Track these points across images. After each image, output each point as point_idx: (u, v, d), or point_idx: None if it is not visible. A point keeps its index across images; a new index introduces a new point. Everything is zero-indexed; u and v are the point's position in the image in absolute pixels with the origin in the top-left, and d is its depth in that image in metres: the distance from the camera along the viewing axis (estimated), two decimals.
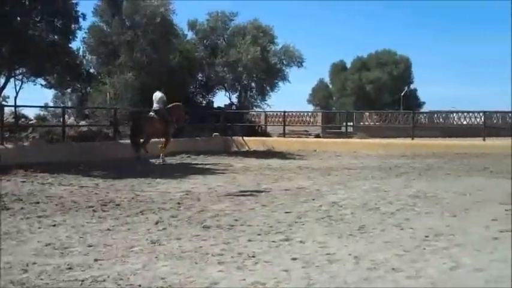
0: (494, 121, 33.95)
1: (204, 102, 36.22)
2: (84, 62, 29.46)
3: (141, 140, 18.87)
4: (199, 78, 35.81)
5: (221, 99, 37.61)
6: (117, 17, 28.00)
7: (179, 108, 20.37)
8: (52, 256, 6.58)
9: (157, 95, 19.48)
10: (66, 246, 7.01)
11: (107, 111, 25.23)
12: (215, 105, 36.88)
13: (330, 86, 71.85)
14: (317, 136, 33.86)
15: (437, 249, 6.95)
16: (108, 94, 27.10)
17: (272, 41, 36.30)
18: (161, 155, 19.27)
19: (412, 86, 66.93)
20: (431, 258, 6.51)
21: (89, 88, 29.20)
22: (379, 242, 7.30)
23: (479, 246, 7.08)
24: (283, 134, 30.51)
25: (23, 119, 24.24)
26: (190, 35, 36.01)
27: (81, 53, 28.92)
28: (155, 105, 19.35)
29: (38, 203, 10.41)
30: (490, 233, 7.83)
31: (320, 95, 72.37)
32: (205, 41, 35.67)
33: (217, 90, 37.03)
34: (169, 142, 19.83)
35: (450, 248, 6.99)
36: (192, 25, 35.95)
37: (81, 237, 7.51)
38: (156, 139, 19.69)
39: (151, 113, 19.30)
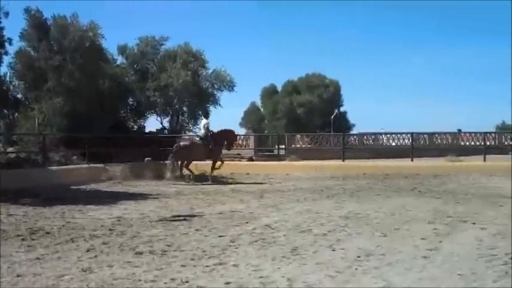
0: (422, 142, 34.80)
1: (136, 127, 35.92)
2: (11, 87, 28.87)
3: (184, 162, 22.16)
4: (130, 102, 35.54)
5: (153, 123, 37.48)
6: (45, 41, 27.54)
7: (229, 133, 23.24)
8: None
9: (203, 122, 22.67)
10: None
11: (36, 137, 24.70)
12: (147, 130, 36.67)
13: (262, 110, 72.33)
14: (250, 159, 33.91)
15: (368, 269, 7.06)
16: (36, 120, 26.52)
17: (203, 65, 36.44)
18: (209, 175, 21.84)
19: (342, 109, 68.12)
20: (363, 278, 6.61)
21: (16, 114, 28.57)
22: (311, 264, 7.36)
23: (409, 265, 7.23)
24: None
25: None
26: (120, 59, 35.83)
27: (8, 79, 28.35)
28: (201, 131, 22.46)
29: None
30: (419, 252, 8.01)
31: (252, 118, 72.77)
32: (135, 66, 35.51)
33: (148, 115, 36.85)
34: (215, 164, 22.27)
35: (381, 268, 7.12)
36: (122, 50, 35.75)
37: (9, 267, 7.29)
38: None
39: (196, 138, 22.65)
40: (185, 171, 22.09)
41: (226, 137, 23.07)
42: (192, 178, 21.74)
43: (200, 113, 36.79)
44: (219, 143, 22.46)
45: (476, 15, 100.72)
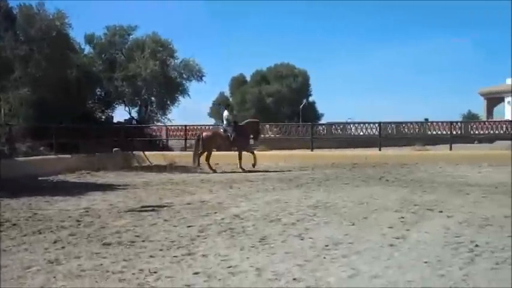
0: (389, 131, 35.04)
1: (104, 117, 35.61)
2: None
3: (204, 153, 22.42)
4: (98, 93, 35.20)
5: (121, 114, 37.23)
6: (11, 31, 27.09)
7: (253, 124, 23.62)
8: None
9: (224, 114, 23.20)
10: None
11: (2, 128, 24.35)
12: (115, 120, 36.40)
13: (231, 99, 72.19)
14: (218, 149, 33.88)
15: (336, 257, 7.11)
16: (2, 110, 26.12)
17: (171, 55, 36.19)
18: (238, 166, 22.09)
19: (310, 99, 68.27)
20: (331, 267, 6.65)
21: None
22: (280, 253, 7.38)
23: (377, 254, 7.29)
24: (185, 148, 30.39)
25: None
26: (87, 49, 35.43)
27: None
28: (224, 123, 22.89)
29: None
30: (386, 240, 8.08)
31: (221, 108, 72.60)
32: (103, 55, 35.17)
33: (116, 105, 36.55)
34: (241, 155, 22.45)
35: (349, 256, 7.17)
36: (90, 39, 35.37)
37: None
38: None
39: (220, 129, 22.97)
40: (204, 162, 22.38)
41: (251, 128, 23.21)
42: (213, 168, 22.06)
43: (169, 102, 36.64)
44: (243, 134, 22.52)
45: (442, 8, 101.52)
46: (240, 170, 21.64)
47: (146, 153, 26.95)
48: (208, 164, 22.09)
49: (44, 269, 6.71)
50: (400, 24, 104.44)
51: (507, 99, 54.27)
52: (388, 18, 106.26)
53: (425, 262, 6.81)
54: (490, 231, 8.64)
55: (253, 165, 22.00)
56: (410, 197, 12.77)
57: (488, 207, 11.13)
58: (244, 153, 22.45)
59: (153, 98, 36.49)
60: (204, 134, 22.94)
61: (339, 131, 37.18)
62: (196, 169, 21.88)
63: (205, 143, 22.42)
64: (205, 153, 22.38)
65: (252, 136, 23.23)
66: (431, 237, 8.25)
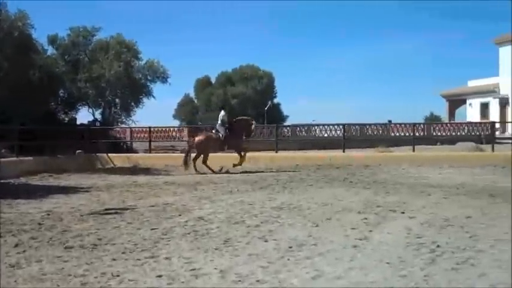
0: (353, 133, 35.29)
1: (67, 119, 35.29)
2: None
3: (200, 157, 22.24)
4: (61, 94, 34.87)
5: (84, 115, 36.92)
6: None
7: (244, 122, 23.50)
8: None
9: (220, 114, 22.92)
10: None
11: None
12: (78, 122, 36.05)
13: (196, 101, 72.02)
14: (183, 151, 33.75)
15: (300, 259, 7.15)
16: None
17: (136, 57, 36.00)
18: (236, 165, 22.01)
19: (275, 100, 68.43)
20: (295, 269, 6.69)
21: None
22: (244, 255, 7.40)
23: (340, 255, 7.35)
24: (149, 150, 30.23)
25: None
26: (50, 50, 35.05)
27: None
28: (218, 123, 22.65)
29: None
30: (350, 241, 8.14)
31: (186, 110, 72.32)
32: (66, 56, 34.83)
33: (80, 107, 36.25)
34: (240, 154, 22.48)
35: (312, 258, 7.21)
36: (53, 40, 35.01)
37: None
38: None
39: (213, 130, 22.94)
40: (202, 166, 22.11)
41: (244, 126, 23.10)
42: (218, 170, 21.88)
43: (133, 104, 36.42)
44: (235, 133, 22.45)
45: (405, 11, 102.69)
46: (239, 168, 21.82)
47: (110, 155, 26.73)
48: (207, 166, 21.99)
49: (5, 273, 6.62)
50: (364, 27, 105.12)
51: (469, 102, 55.06)
52: (353, 20, 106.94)
53: (388, 263, 6.89)
54: (451, 232, 8.76)
55: (235, 165, 22.06)
56: (373, 198, 12.88)
57: (450, 208, 11.28)
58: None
59: (117, 100, 36.27)
60: (197, 138, 22.79)
61: (304, 132, 37.32)
62: (186, 172, 21.71)
63: (198, 147, 22.30)
64: (202, 157, 22.24)
65: (244, 134, 23.08)
66: (393, 238, 8.35)
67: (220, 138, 22.24)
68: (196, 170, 21.78)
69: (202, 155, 22.25)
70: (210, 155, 22.46)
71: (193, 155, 22.46)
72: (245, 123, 23.50)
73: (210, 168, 21.79)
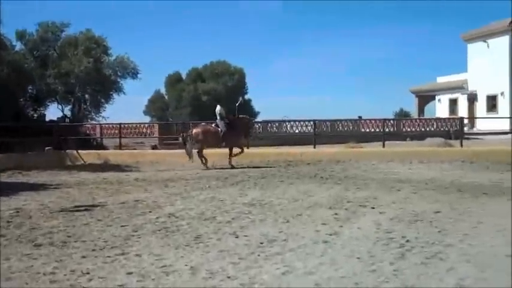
0: (324, 129, 35.51)
1: (36, 115, 34.93)
2: None
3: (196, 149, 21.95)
4: (30, 90, 34.51)
5: (54, 112, 36.63)
6: None
7: (243, 120, 23.31)
8: None
9: (216, 109, 22.57)
10: None
11: None
12: (47, 118, 35.73)
13: (166, 97, 71.68)
14: (154, 147, 33.65)
15: (270, 255, 7.18)
16: None
17: (106, 52, 35.79)
18: (229, 162, 21.73)
19: (246, 97, 68.33)
20: (265, 265, 6.71)
21: None
22: (214, 251, 7.40)
23: (310, 250, 7.39)
24: (120, 146, 30.05)
25: None
26: (19, 46, 34.68)
27: None
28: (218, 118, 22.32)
29: None
30: (320, 237, 8.19)
31: (156, 106, 71.94)
32: (35, 52, 34.48)
33: (49, 103, 35.92)
34: (231, 151, 22.13)
35: (283, 253, 7.25)
36: (21, 36, 34.63)
37: None
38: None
39: (213, 124, 22.54)
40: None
41: (244, 125, 22.95)
42: (205, 163, 21.61)
43: (103, 100, 36.19)
44: (235, 130, 22.24)
45: (374, 6, 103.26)
46: (229, 166, 21.53)
47: (80, 152, 26.48)
48: (202, 158, 21.82)
49: None
50: (333, 24, 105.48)
51: (438, 98, 55.61)
52: (323, 18, 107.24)
53: (358, 258, 6.95)
54: (420, 227, 8.86)
55: (235, 155, 22.02)
56: (343, 194, 12.94)
57: (419, 203, 11.39)
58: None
59: (86, 96, 36.06)
60: (194, 130, 22.61)
61: (275, 128, 37.50)
62: (190, 161, 21.79)
63: (195, 140, 22.09)
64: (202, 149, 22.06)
65: (244, 133, 22.95)
66: (363, 233, 8.41)
67: (219, 133, 22.07)
68: (206, 162, 21.65)
69: (202, 148, 22.04)
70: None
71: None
72: (246, 121, 23.44)
73: (203, 161, 21.70)
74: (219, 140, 22.17)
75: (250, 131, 23.76)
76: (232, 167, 21.27)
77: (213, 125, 22.71)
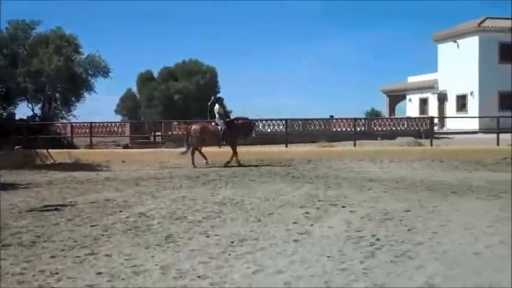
0: (296, 128, 35.61)
1: (5, 114, 34.53)
2: None
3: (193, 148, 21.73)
4: None
5: (24, 111, 36.27)
6: None
7: (247, 121, 23.06)
8: None
9: (215, 108, 22.40)
10: None
11: None
12: (17, 117, 35.32)
13: (138, 96, 71.35)
14: (125, 147, 33.46)
15: (241, 254, 7.19)
16: None
17: (77, 50, 35.52)
18: (234, 161, 21.50)
19: (219, 95, 68.30)
20: (236, 264, 6.72)
21: None
22: (185, 251, 7.39)
23: (281, 249, 7.41)
24: (90, 146, 29.83)
25: None
26: None
27: None
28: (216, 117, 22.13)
29: None
30: (291, 236, 8.22)
31: (128, 105, 71.63)
32: (4, 50, 34.07)
33: (19, 102, 35.54)
34: (234, 149, 21.90)
35: (254, 252, 7.26)
36: None
37: None
38: None
39: (212, 123, 22.46)
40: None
41: (244, 126, 22.64)
42: (207, 162, 21.50)
43: (74, 99, 35.91)
44: (235, 130, 22.02)
45: (345, 6, 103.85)
46: (236, 164, 21.31)
47: (50, 151, 26.21)
48: (193, 156, 21.66)
49: None
50: (305, 25, 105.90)
51: (408, 97, 56.08)
52: (294, 19, 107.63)
53: (328, 256, 6.98)
54: (390, 225, 8.93)
55: (228, 163, 21.71)
56: (315, 193, 12.98)
57: (389, 202, 11.48)
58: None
59: (57, 95, 35.75)
60: (193, 127, 22.40)
61: None
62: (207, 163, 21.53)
63: (193, 138, 21.91)
64: (198, 147, 21.84)
65: (243, 134, 22.71)
66: (334, 232, 8.45)
67: (219, 131, 21.90)
68: (194, 164, 21.38)
69: (198, 146, 21.90)
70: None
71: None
72: (247, 123, 23.20)
73: (193, 160, 21.55)
74: (218, 138, 22.10)
75: (252, 131, 23.50)
76: (240, 165, 21.16)
77: (212, 124, 22.64)
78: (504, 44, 46.00)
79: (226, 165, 21.22)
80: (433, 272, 6.25)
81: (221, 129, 21.79)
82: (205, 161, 21.54)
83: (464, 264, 6.56)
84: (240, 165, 21.08)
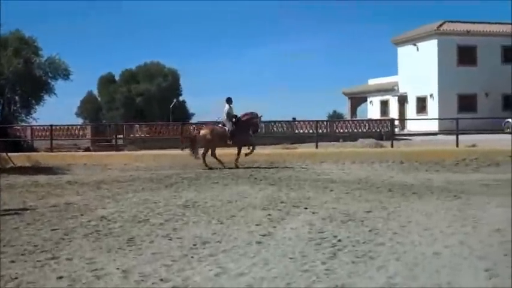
0: (259, 130, 35.66)
1: None
2: None
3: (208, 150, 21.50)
4: None
5: None
6: None
7: (250, 117, 22.22)
8: None
9: (225, 108, 21.75)
10: None
11: None
12: None
13: (99, 99, 70.77)
14: (87, 149, 33.14)
15: (204, 256, 7.19)
16: None
17: (36, 53, 35.09)
18: (235, 161, 21.18)
19: (181, 98, 68.16)
20: (198, 266, 6.72)
21: None
22: (147, 254, 7.36)
23: (243, 251, 7.43)
24: (51, 149, 29.46)
25: None
26: None
27: None
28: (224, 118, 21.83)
29: None
30: (254, 238, 8.24)
31: (89, 108, 70.99)
32: None
33: None
34: (240, 150, 21.55)
35: (216, 255, 7.26)
36: None
37: None
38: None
39: (220, 125, 22.20)
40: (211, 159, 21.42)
41: (251, 122, 22.16)
42: (222, 164, 21.12)
43: (34, 102, 35.47)
44: (242, 129, 21.66)
45: (308, 7, 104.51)
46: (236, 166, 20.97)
47: (9, 154, 25.84)
48: (217, 159, 21.40)
49: None
50: (267, 27, 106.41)
51: (369, 99, 56.66)
52: (257, 21, 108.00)
53: (291, 258, 7.02)
54: (352, 226, 9.01)
55: (247, 154, 21.63)
56: (277, 195, 13.02)
57: (351, 203, 11.58)
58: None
59: (16, 97, 35.25)
60: (202, 132, 22.10)
61: None
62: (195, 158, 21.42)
63: (203, 141, 21.63)
64: (209, 151, 21.56)
65: (251, 130, 22.30)
66: (296, 234, 8.50)
67: (226, 132, 21.60)
68: (206, 165, 21.08)
69: (209, 149, 21.58)
70: None
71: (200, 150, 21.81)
72: (254, 119, 22.66)
73: (219, 161, 21.29)
74: (226, 139, 21.75)
75: (258, 128, 23.29)
76: (237, 167, 20.83)
77: (219, 125, 22.42)
78: (462, 47, 46.83)
79: (236, 164, 21.10)
80: (394, 272, 6.32)
81: (228, 130, 21.60)
82: (206, 167, 21.13)
83: (424, 264, 6.65)
84: (237, 167, 20.88)
